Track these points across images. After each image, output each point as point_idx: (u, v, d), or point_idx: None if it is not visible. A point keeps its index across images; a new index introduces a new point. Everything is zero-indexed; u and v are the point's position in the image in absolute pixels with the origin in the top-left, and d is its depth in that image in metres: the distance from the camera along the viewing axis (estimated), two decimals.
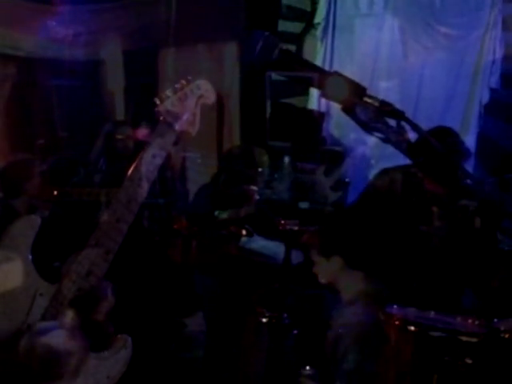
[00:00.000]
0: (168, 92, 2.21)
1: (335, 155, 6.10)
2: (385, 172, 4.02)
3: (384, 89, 6.33)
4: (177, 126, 2.20)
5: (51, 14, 6.67)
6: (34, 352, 2.01)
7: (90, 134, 6.39)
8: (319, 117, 6.61)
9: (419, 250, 3.61)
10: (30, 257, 2.22)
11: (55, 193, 4.52)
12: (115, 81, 7.30)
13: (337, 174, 5.69)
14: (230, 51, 7.21)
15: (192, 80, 2.25)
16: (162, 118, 2.20)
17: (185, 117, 2.20)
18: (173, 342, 3.95)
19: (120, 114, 7.19)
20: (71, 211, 4.40)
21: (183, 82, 2.24)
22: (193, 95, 2.22)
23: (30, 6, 6.51)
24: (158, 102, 2.21)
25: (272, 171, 5.32)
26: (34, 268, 2.21)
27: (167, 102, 2.20)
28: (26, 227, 2.23)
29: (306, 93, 7.05)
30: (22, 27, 6.42)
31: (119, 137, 5.03)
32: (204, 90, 2.26)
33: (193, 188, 5.68)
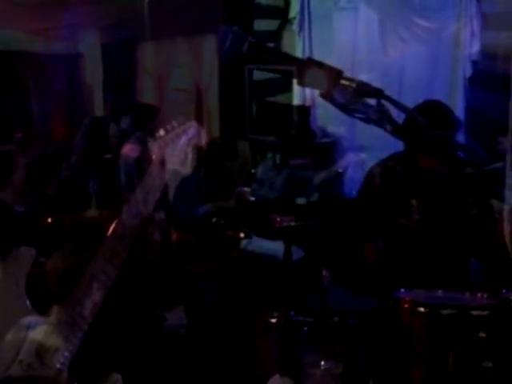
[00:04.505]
0: (161, 132, 2.28)
1: (325, 147, 6.06)
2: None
3: (366, 76, 6.30)
4: (168, 165, 2.26)
5: (28, 7, 6.60)
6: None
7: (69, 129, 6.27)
8: (305, 111, 6.58)
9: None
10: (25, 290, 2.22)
11: (49, 220, 4.41)
12: (94, 74, 7.27)
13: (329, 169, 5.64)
14: (209, 44, 7.16)
15: (183, 122, 2.31)
16: (154, 156, 2.26)
17: (176, 156, 2.26)
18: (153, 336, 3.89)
19: (99, 107, 7.12)
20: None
21: (175, 123, 2.30)
22: (184, 136, 2.28)
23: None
24: (151, 141, 2.27)
25: (264, 168, 5.28)
26: (28, 301, 2.21)
27: (160, 141, 2.26)
28: (21, 260, 2.24)
29: (288, 89, 7.01)
30: None
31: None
32: (195, 131, 2.32)
33: (172, 181, 5.56)
